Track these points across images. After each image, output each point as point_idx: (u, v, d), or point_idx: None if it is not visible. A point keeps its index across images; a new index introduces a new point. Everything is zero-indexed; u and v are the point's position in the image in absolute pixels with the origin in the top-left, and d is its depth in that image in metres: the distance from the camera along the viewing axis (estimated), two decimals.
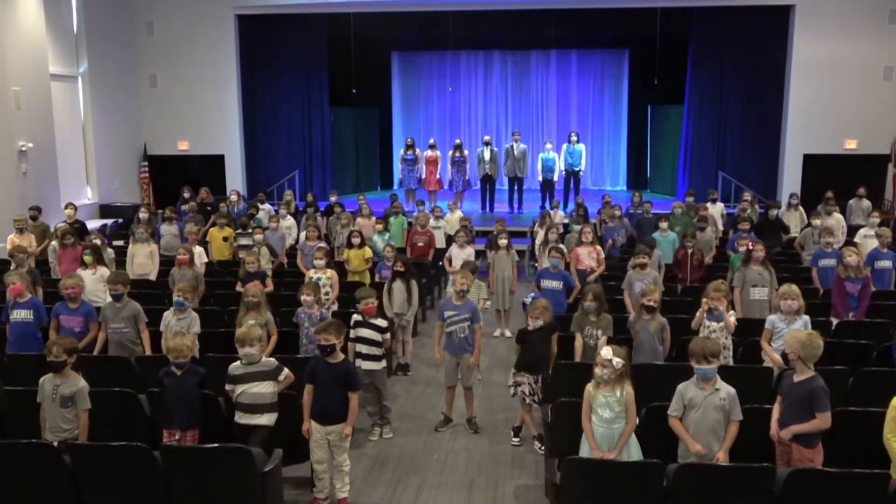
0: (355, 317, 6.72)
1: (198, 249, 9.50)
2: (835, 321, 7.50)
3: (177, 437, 5.23)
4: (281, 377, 5.44)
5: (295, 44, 17.75)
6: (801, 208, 12.67)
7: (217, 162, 17.32)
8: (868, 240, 10.03)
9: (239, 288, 8.24)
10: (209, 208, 13.40)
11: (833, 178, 14.63)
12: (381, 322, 6.77)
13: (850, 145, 16.20)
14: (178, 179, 15.76)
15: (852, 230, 11.67)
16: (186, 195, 13.72)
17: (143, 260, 9.61)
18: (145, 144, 17.23)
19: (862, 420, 4.88)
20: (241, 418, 5.32)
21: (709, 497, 4.39)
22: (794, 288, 6.36)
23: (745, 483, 4.38)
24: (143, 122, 17.29)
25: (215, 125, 17.18)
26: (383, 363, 6.76)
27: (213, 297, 8.76)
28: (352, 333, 6.62)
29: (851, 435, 4.83)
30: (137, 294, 7.68)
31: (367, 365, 6.57)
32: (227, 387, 5.39)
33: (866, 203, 13.03)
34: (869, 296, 7.74)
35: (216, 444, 4.83)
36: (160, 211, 12.45)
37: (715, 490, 4.39)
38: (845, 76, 15.86)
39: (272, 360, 5.54)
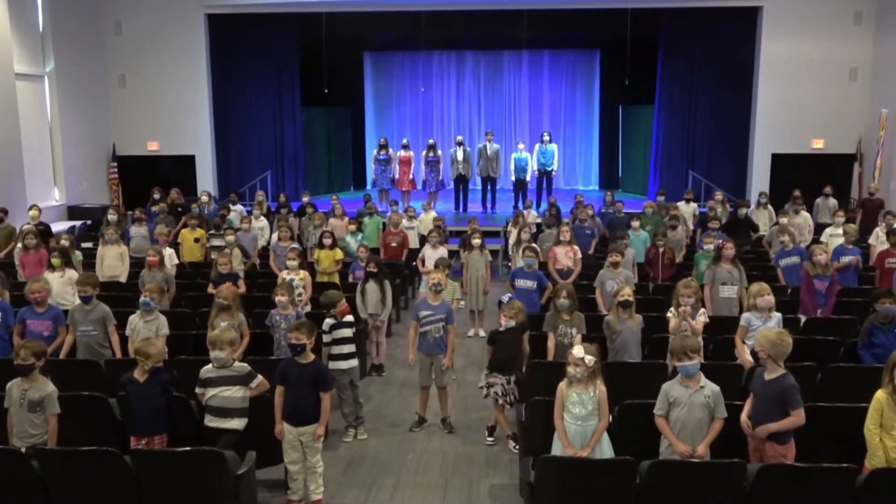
0: (328, 321, 6.69)
1: (168, 251, 9.41)
2: (803, 318, 7.62)
3: (143, 443, 5.15)
4: (254, 384, 5.37)
5: (266, 43, 17.61)
6: (769, 207, 12.85)
7: (187, 162, 17.14)
8: (834, 238, 10.20)
9: (211, 289, 8.19)
10: (180, 209, 13.26)
11: (801, 177, 14.87)
12: (351, 318, 6.82)
13: (818, 145, 16.47)
14: (147, 180, 15.56)
15: (819, 228, 11.86)
16: (156, 196, 13.56)
17: (112, 262, 9.48)
18: (114, 145, 17.01)
19: (831, 415, 4.96)
20: (212, 422, 5.28)
21: (681, 493, 4.44)
22: (765, 284, 6.46)
23: (716, 478, 4.43)
24: (112, 123, 17.08)
25: (185, 125, 17.01)
26: (356, 360, 6.81)
27: (184, 299, 8.67)
28: (326, 338, 6.62)
29: (821, 430, 4.90)
30: (107, 297, 7.57)
31: (345, 364, 6.59)
32: (198, 390, 5.33)
33: (833, 202, 13.24)
34: (836, 293, 7.88)
35: (188, 448, 4.77)
36: (130, 212, 12.30)
37: (687, 486, 4.44)
38: (812, 77, 16.12)
39: (245, 365, 5.47)
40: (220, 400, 5.25)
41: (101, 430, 5.35)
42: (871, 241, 10.56)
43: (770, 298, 6.32)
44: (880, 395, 4.60)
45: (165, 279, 8.32)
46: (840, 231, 10.12)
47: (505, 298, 6.85)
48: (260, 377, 5.40)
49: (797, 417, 4.69)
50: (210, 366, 5.35)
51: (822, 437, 4.88)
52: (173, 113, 16.88)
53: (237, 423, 5.29)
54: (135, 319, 6.65)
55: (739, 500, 4.37)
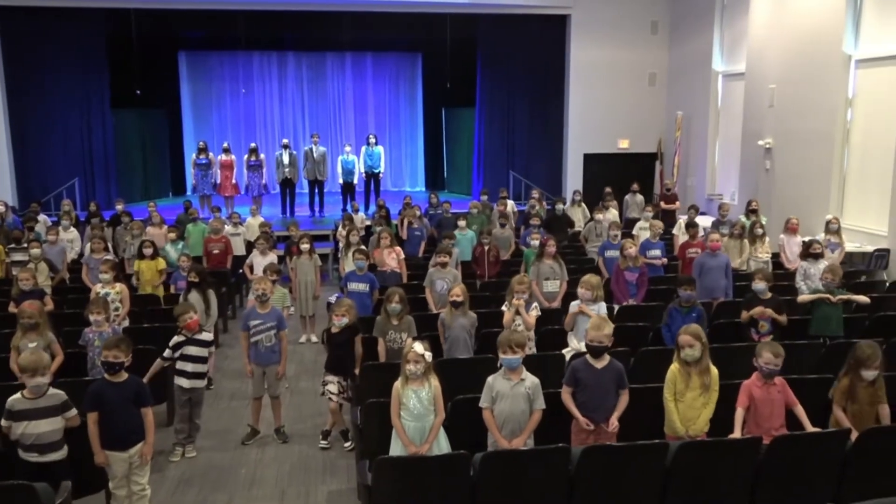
0: (176, 338, 6.36)
1: None
2: (616, 307, 8.17)
3: None
4: (69, 414, 4.92)
5: (69, 40, 16.31)
6: (583, 204, 13.66)
7: None
8: (643, 231, 11.04)
9: (13, 308, 7.50)
10: None
11: (610, 175, 15.95)
12: (206, 336, 6.52)
13: (623, 145, 17.75)
14: None
15: (630, 223, 12.76)
16: None
17: None
18: None
19: (642, 396, 5.35)
20: (30, 456, 4.79)
21: (512, 480, 4.61)
22: (591, 279, 6.84)
23: (543, 464, 4.65)
24: None
25: None
26: (206, 381, 6.58)
27: None
28: (167, 353, 6.33)
29: (635, 409, 5.27)
30: None
31: (189, 383, 6.33)
32: (4, 423, 4.81)
33: (640, 198, 14.30)
34: (646, 283, 8.52)
35: None
36: None
37: (517, 473, 4.62)
38: (616, 81, 17.35)
39: (61, 393, 4.97)
40: (36, 437, 4.77)
41: None
42: (675, 231, 11.52)
43: (585, 292, 6.71)
44: (674, 367, 5.20)
45: None
46: (647, 225, 10.95)
47: (333, 298, 6.82)
48: (74, 410, 4.95)
49: (627, 396, 5.14)
50: (20, 396, 4.83)
51: (636, 416, 5.25)
52: None
53: (60, 455, 4.86)
54: None
55: (565, 483, 4.62)
